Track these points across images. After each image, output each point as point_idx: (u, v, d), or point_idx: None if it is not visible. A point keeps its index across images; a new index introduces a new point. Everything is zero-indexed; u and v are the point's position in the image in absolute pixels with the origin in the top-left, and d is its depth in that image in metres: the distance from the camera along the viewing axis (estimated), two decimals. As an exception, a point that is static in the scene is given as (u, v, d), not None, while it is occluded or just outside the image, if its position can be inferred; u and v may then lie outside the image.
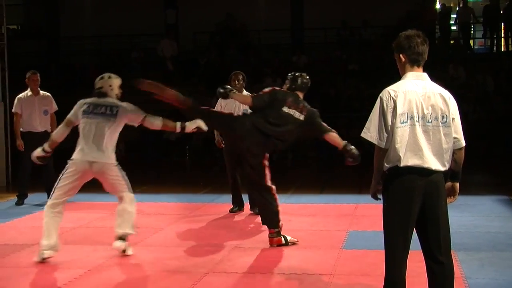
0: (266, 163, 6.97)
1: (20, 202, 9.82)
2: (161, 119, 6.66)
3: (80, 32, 21.79)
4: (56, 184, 6.46)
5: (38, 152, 6.76)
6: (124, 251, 6.54)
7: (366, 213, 8.56)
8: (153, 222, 8.40)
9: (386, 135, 4.26)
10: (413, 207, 4.29)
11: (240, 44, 20.56)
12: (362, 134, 4.35)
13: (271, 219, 6.98)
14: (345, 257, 6.56)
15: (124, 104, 6.60)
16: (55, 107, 9.98)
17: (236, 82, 8.90)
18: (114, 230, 6.62)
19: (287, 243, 6.96)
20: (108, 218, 8.71)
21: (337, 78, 18.55)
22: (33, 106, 9.79)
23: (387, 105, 4.26)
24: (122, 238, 6.52)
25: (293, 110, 6.95)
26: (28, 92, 9.87)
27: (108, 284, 5.73)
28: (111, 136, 6.47)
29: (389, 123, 4.26)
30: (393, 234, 4.34)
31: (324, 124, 7.05)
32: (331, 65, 19.22)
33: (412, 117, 4.27)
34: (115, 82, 6.69)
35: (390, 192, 4.34)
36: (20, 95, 9.94)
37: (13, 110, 9.87)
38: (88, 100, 6.60)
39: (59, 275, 5.94)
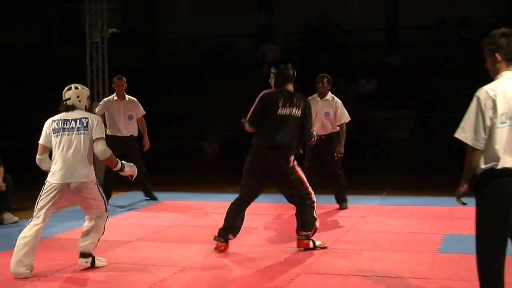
0: (297, 168, 6.77)
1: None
2: (108, 151, 6.16)
3: (176, 34, 22.24)
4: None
5: None
6: (91, 266, 6.21)
7: (462, 215, 8.31)
8: (246, 222, 8.45)
9: (484, 135, 4.14)
10: (511, 210, 4.16)
11: (334, 44, 20.46)
12: (456, 135, 4.25)
13: (305, 221, 6.78)
14: (440, 261, 6.41)
15: (93, 116, 6.27)
16: (141, 111, 10.01)
17: (320, 85, 9.05)
18: (204, 229, 6.68)
19: (315, 247, 6.79)
20: (202, 217, 8.87)
21: (433, 78, 18.17)
22: (118, 111, 9.87)
23: (485, 105, 4.14)
24: (85, 255, 6.19)
25: (289, 109, 6.63)
26: (114, 96, 9.99)
27: (201, 283, 5.81)
28: (88, 149, 6.10)
29: (488, 123, 4.14)
30: (490, 238, 4.21)
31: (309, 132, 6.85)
32: (427, 65, 18.84)
33: (511, 118, 4.14)
34: (83, 93, 6.30)
35: (485, 194, 4.22)
36: (106, 98, 10.13)
37: (96, 111, 9.77)
38: (56, 117, 6.19)
39: (155, 272, 6.07)
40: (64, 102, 6.23)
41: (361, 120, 17.21)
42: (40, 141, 6.19)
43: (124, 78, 10.00)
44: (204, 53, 21.83)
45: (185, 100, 19.42)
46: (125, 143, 9.65)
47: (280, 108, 6.58)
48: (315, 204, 6.82)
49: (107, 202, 6.46)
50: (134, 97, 10.08)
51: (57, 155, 6.07)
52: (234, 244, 7.15)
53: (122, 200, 10.12)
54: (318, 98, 9.13)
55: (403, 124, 17.45)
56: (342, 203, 9.37)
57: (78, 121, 6.10)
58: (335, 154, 9.05)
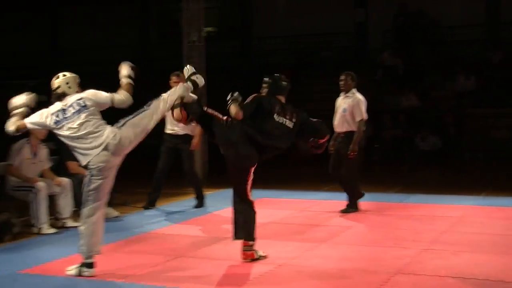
0: (252, 175, 6.50)
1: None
2: (125, 94, 6.24)
3: (272, 33, 22.35)
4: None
5: None
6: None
7: None
8: (342, 221, 8.44)
9: None
10: None
11: (431, 41, 20.03)
12: None
13: (249, 231, 6.49)
14: (545, 264, 6.17)
15: (85, 93, 6.17)
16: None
17: (343, 82, 8.98)
18: (299, 227, 6.68)
19: (258, 258, 6.46)
20: (299, 215, 8.88)
21: (537, 75, 17.50)
22: None
23: None
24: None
25: (283, 118, 6.37)
26: None
27: (298, 280, 5.82)
28: (97, 127, 5.98)
29: None
30: None
31: (321, 127, 6.54)
32: (529, 61, 18.15)
33: None
34: (72, 79, 6.22)
35: None
36: None
37: None
38: (52, 109, 6.06)
39: (250, 269, 6.12)
40: (54, 92, 6.16)
41: (460, 118, 16.80)
42: (28, 122, 6.10)
43: (182, 75, 9.97)
44: (299, 51, 21.84)
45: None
46: (180, 142, 9.65)
47: (275, 114, 6.34)
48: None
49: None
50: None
51: (76, 143, 5.95)
52: (329, 242, 7.13)
53: (218, 196, 10.25)
54: (342, 95, 9.09)
55: (505, 122, 16.90)
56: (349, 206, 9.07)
57: (75, 104, 6.02)
58: (348, 153, 8.83)
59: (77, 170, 8.59)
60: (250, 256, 6.37)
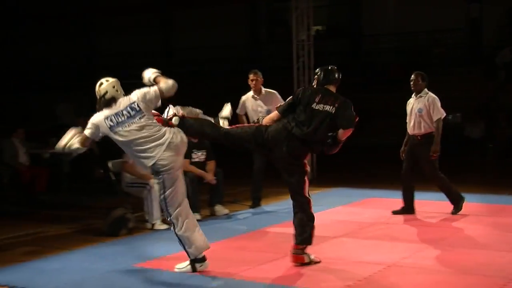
0: (307, 169, 6.30)
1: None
2: (169, 80, 6.09)
3: (381, 30, 22.07)
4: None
5: None
6: None
7: None
8: (453, 222, 8.24)
9: None
10: None
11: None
12: None
13: (304, 235, 6.26)
14: None
15: (134, 93, 6.09)
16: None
17: (414, 82, 8.64)
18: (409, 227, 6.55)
19: (309, 262, 6.24)
20: (407, 215, 8.72)
21: None
22: (250, 107, 9.62)
23: None
24: None
25: (323, 105, 6.17)
26: (250, 93, 9.69)
27: (408, 282, 5.72)
28: (156, 129, 5.99)
29: None
30: None
31: (349, 118, 6.15)
32: None
33: None
34: (117, 83, 6.18)
35: None
36: (244, 96, 9.78)
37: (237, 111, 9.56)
38: (104, 115, 6.03)
39: (359, 269, 6.07)
40: (102, 98, 6.10)
41: None
42: (87, 133, 6.07)
43: (259, 72, 9.70)
44: (409, 49, 21.45)
45: (390, 97, 19.23)
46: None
47: (315, 103, 6.18)
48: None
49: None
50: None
51: (136, 150, 5.96)
52: (442, 243, 6.97)
53: (326, 196, 10.23)
54: (413, 96, 8.73)
55: None
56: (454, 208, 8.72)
57: (128, 107, 5.99)
58: (430, 154, 8.43)
59: (189, 168, 8.80)
60: (300, 260, 6.23)
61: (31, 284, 5.69)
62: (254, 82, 9.57)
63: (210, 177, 8.95)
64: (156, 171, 5.96)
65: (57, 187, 11.78)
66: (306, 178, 6.29)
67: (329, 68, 6.52)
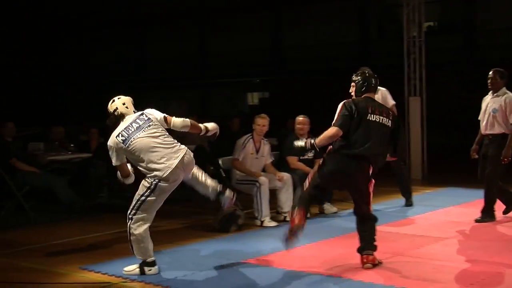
0: (371, 188, 6.04)
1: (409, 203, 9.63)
2: (185, 120, 6.23)
3: (498, 25, 21.32)
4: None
5: None
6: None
7: None
8: None
9: None
10: None
11: None
12: None
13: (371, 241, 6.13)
14: None
15: (144, 112, 6.18)
16: (390, 102, 9.23)
17: (492, 80, 8.11)
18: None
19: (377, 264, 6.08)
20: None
21: None
22: None
23: None
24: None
25: (379, 116, 5.90)
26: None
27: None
28: (167, 140, 6.04)
29: None
30: None
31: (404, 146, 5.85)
32: None
33: None
34: (128, 100, 6.23)
35: None
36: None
37: None
38: (113, 137, 6.03)
39: (472, 271, 5.90)
40: (113, 114, 6.17)
41: None
42: (116, 163, 6.09)
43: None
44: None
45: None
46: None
47: (369, 113, 5.91)
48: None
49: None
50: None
51: (151, 156, 5.95)
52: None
53: (437, 196, 10.02)
54: (490, 94, 8.19)
55: None
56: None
57: (137, 119, 6.08)
58: (500, 157, 7.88)
59: (297, 165, 8.84)
60: (372, 261, 6.08)
61: (143, 276, 5.89)
62: None
63: (318, 174, 8.93)
64: (156, 178, 5.93)
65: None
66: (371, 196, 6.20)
67: (368, 73, 6.27)
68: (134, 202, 5.98)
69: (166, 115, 6.18)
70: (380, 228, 7.91)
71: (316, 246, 7.02)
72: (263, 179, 8.32)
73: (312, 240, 7.20)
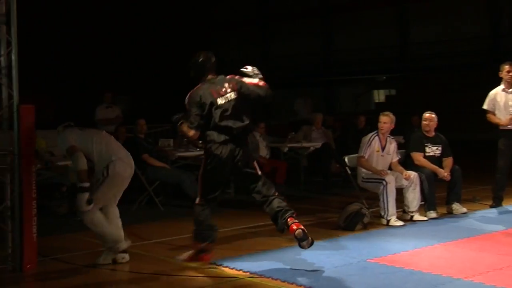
0: None
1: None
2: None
3: None
4: None
5: None
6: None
7: None
8: None
9: None
10: None
11: None
12: None
13: None
14: None
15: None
16: None
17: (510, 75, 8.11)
18: None
19: None
20: None
21: None
22: (502, 102, 9.03)
23: None
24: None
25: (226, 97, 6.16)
26: (500, 87, 9.12)
27: None
28: None
29: None
30: None
31: None
32: None
33: None
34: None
35: None
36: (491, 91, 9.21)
37: (484, 107, 9.20)
38: None
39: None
40: None
41: None
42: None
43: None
44: None
45: None
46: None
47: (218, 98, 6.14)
48: None
49: None
50: None
51: None
52: None
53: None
54: (502, 89, 8.01)
55: None
56: None
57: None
58: None
59: (422, 162, 8.66)
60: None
61: (269, 272, 5.95)
62: (511, 74, 9.01)
63: (444, 173, 8.72)
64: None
65: (295, 180, 12.18)
66: None
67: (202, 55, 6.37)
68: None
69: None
70: (508, 231, 7.67)
71: (443, 247, 6.86)
72: (389, 177, 8.21)
73: (440, 241, 7.05)
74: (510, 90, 9.04)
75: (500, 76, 9.09)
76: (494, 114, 9.14)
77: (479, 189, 10.46)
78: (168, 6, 26.28)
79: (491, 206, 9.26)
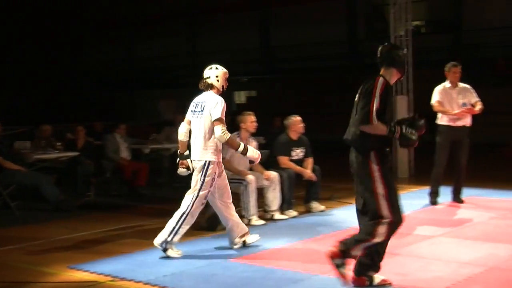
0: None
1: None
2: (224, 134, 6.39)
3: (485, 24, 21.39)
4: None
5: None
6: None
7: None
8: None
9: None
10: None
11: None
12: None
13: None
14: None
15: (213, 99, 6.50)
16: (475, 99, 9.28)
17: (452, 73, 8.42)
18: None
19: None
20: (508, 216, 8.46)
21: None
22: (451, 99, 9.34)
23: None
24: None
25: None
26: (446, 84, 9.44)
27: (507, 285, 5.55)
28: (205, 131, 6.48)
29: None
30: None
31: None
32: None
33: None
34: (222, 73, 6.66)
35: None
36: (438, 87, 9.46)
37: (435, 99, 9.33)
38: (196, 98, 6.66)
39: (458, 270, 5.93)
40: (204, 80, 6.63)
41: None
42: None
43: (460, 66, 9.44)
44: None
45: (496, 93, 18.50)
46: (458, 134, 9.39)
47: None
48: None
49: None
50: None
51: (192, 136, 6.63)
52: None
53: (424, 194, 10.03)
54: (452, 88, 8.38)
55: None
56: None
57: (199, 105, 6.55)
58: None
59: (288, 165, 8.84)
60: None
61: (131, 275, 5.87)
62: (454, 75, 9.34)
63: (309, 173, 8.96)
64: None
65: (157, 182, 12.09)
66: None
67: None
68: None
69: (215, 120, 6.41)
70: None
71: (303, 244, 7.03)
72: (250, 177, 8.31)
73: (300, 238, 7.28)
74: (456, 88, 9.34)
75: (446, 76, 9.38)
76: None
77: (337, 188, 10.81)
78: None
79: (431, 203, 9.42)
